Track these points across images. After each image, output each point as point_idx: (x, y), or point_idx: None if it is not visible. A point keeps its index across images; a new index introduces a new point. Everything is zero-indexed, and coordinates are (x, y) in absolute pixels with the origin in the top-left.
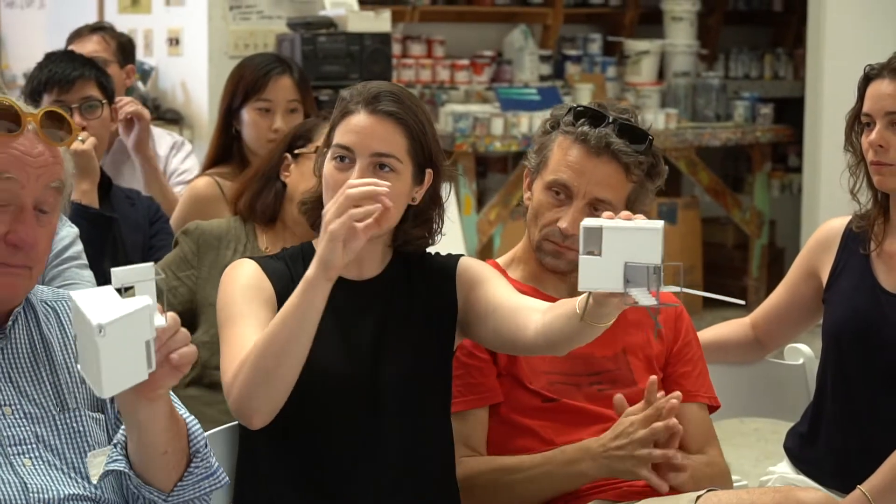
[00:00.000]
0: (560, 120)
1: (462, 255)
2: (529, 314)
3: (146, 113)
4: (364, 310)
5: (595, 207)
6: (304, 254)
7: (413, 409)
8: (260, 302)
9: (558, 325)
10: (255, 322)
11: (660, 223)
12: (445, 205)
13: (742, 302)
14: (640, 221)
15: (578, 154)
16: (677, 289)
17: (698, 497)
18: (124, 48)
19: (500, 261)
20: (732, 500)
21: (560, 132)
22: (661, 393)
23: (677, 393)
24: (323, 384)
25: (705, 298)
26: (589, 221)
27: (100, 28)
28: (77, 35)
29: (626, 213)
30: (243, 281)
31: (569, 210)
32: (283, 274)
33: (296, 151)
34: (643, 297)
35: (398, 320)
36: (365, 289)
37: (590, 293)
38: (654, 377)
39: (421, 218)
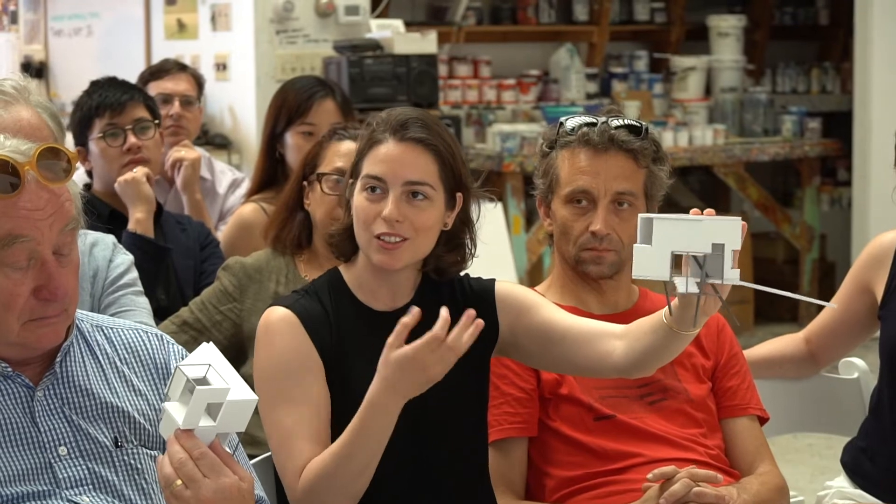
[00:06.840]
0: (554, 138)
1: (494, 279)
2: (608, 340)
3: (189, 155)
4: None
5: (619, 203)
6: (330, 283)
7: (451, 430)
8: (309, 377)
9: (644, 342)
10: (308, 404)
11: (710, 218)
12: (483, 224)
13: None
14: (692, 216)
15: (587, 157)
16: (737, 280)
17: None
18: (202, 87)
19: (539, 289)
20: None
21: (558, 148)
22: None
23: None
24: None
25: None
26: (646, 214)
27: (184, 66)
28: (164, 72)
29: (710, 210)
30: (286, 353)
31: (596, 213)
32: (319, 316)
33: (306, 181)
34: (685, 286)
35: None
36: (399, 318)
37: (670, 301)
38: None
39: (453, 242)
